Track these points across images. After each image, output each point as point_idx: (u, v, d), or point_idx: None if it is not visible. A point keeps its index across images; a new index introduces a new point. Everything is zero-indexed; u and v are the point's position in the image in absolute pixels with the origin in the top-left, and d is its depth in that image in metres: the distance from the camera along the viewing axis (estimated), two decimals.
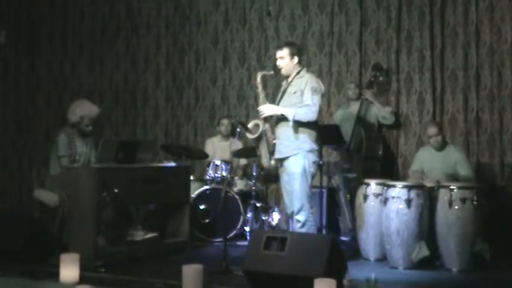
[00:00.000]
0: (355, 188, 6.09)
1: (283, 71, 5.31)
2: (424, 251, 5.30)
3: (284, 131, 5.18)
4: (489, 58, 6.54)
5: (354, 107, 6.77)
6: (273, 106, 5.23)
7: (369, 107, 6.75)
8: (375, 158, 6.64)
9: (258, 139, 5.28)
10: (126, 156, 5.60)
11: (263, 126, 5.22)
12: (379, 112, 6.68)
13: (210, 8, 7.93)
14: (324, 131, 5.60)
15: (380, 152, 6.65)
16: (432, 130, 6.01)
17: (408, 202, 5.33)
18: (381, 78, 6.82)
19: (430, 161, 6.04)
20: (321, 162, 5.49)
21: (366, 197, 5.73)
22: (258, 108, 5.27)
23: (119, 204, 5.46)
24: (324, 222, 6.41)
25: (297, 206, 5.14)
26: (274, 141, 5.24)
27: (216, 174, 6.71)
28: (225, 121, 7.26)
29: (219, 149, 7.17)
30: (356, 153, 6.59)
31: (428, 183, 5.62)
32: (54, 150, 6.01)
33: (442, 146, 6.01)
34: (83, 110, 6.03)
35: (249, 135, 5.35)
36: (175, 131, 8.12)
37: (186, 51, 8.07)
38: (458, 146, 6.31)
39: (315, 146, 5.22)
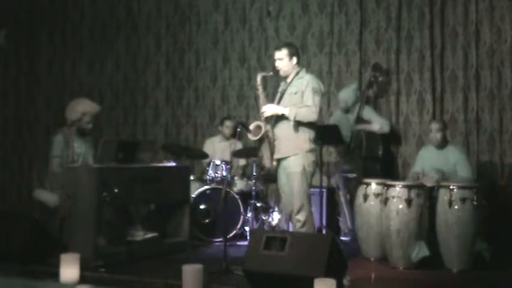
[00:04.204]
0: (355, 187, 6.09)
1: (282, 72, 5.31)
2: (424, 251, 5.30)
3: (284, 131, 5.19)
4: (489, 58, 6.55)
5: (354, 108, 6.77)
6: (275, 106, 5.23)
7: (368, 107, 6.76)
8: (374, 158, 6.63)
9: (260, 140, 5.27)
10: (126, 156, 5.60)
11: (265, 128, 5.21)
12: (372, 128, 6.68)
13: (210, 8, 7.93)
14: (324, 131, 5.60)
15: (380, 152, 6.65)
16: (435, 125, 6.04)
17: (408, 202, 5.33)
18: (380, 79, 6.82)
19: (430, 160, 6.04)
20: (319, 162, 5.49)
21: (366, 196, 5.74)
22: (261, 108, 5.26)
23: (119, 204, 5.46)
24: (324, 222, 6.41)
25: (297, 206, 5.14)
26: (275, 142, 5.24)
27: (216, 174, 6.71)
28: (228, 123, 7.23)
29: (219, 149, 7.17)
30: (356, 153, 6.58)
31: (428, 183, 5.62)
32: (50, 150, 6.02)
33: (441, 144, 6.00)
34: (84, 106, 6.02)
35: (251, 137, 5.33)
36: (175, 131, 8.11)
37: (186, 51, 8.07)
38: (459, 146, 6.31)
39: (314, 146, 5.23)
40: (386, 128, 6.65)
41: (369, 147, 6.57)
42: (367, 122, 6.66)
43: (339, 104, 6.85)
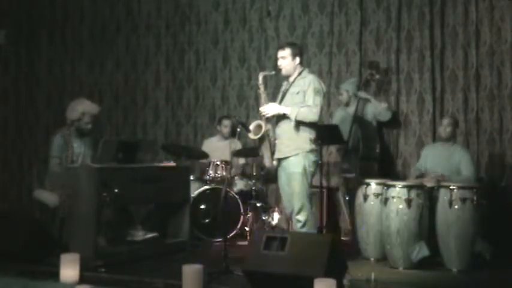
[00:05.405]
0: (354, 188, 6.09)
1: (284, 71, 5.31)
2: (424, 251, 5.30)
3: (285, 131, 5.19)
4: (489, 58, 6.54)
5: (351, 107, 6.77)
6: (276, 105, 5.24)
7: (365, 105, 6.74)
8: (372, 158, 6.63)
9: (261, 140, 5.27)
10: (126, 156, 5.60)
11: (265, 127, 5.21)
12: (375, 109, 6.68)
13: (210, 8, 7.93)
14: (324, 131, 5.60)
15: (377, 151, 6.65)
16: (446, 120, 6.11)
17: (408, 202, 5.33)
18: (377, 76, 6.80)
19: (433, 157, 6.04)
20: (319, 162, 5.50)
21: (366, 196, 5.73)
22: (261, 108, 5.26)
23: (119, 204, 5.46)
24: (324, 222, 6.41)
25: (297, 206, 5.14)
26: (276, 141, 5.24)
27: (216, 174, 6.71)
28: (226, 122, 7.23)
29: (218, 149, 7.15)
30: (354, 153, 6.58)
31: (429, 183, 5.62)
32: (49, 150, 6.02)
33: (449, 139, 6.00)
34: (84, 106, 6.03)
35: (251, 136, 5.33)
36: (175, 131, 8.11)
37: (186, 51, 8.07)
38: (464, 146, 6.32)
39: (315, 146, 5.23)
40: (389, 114, 6.67)
41: (366, 146, 6.56)
42: (365, 119, 6.68)
43: (340, 97, 6.84)
